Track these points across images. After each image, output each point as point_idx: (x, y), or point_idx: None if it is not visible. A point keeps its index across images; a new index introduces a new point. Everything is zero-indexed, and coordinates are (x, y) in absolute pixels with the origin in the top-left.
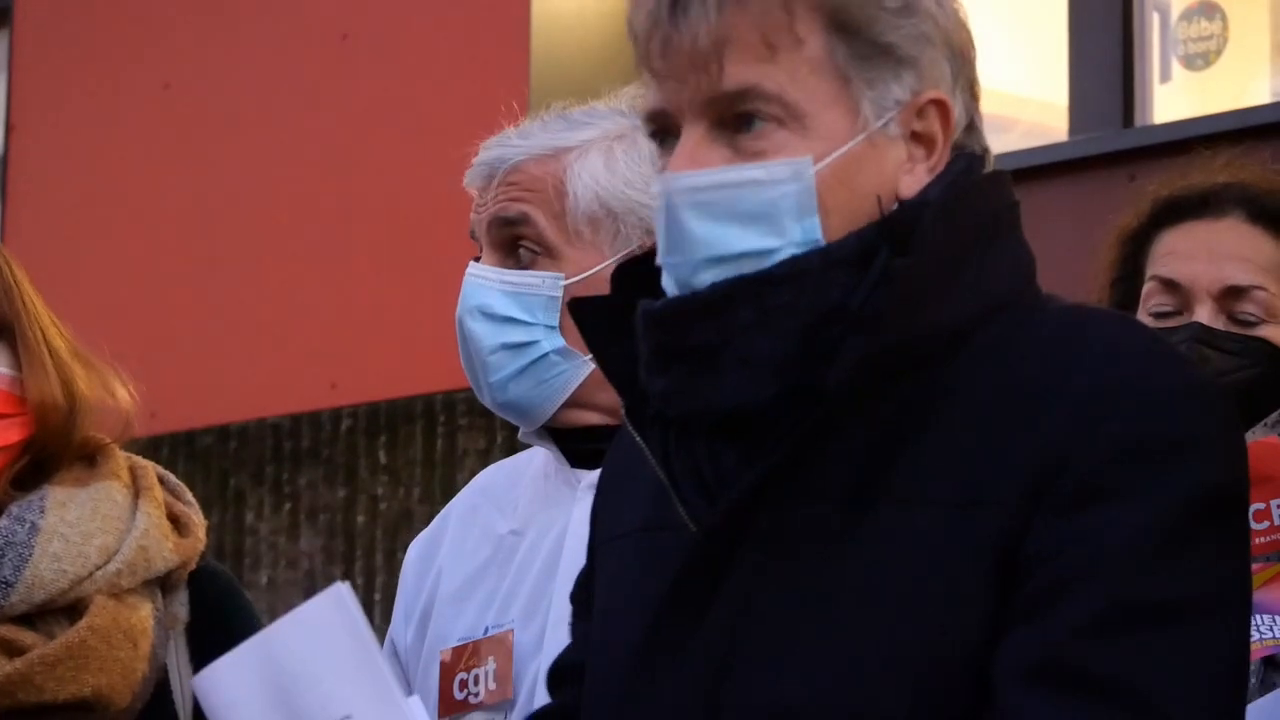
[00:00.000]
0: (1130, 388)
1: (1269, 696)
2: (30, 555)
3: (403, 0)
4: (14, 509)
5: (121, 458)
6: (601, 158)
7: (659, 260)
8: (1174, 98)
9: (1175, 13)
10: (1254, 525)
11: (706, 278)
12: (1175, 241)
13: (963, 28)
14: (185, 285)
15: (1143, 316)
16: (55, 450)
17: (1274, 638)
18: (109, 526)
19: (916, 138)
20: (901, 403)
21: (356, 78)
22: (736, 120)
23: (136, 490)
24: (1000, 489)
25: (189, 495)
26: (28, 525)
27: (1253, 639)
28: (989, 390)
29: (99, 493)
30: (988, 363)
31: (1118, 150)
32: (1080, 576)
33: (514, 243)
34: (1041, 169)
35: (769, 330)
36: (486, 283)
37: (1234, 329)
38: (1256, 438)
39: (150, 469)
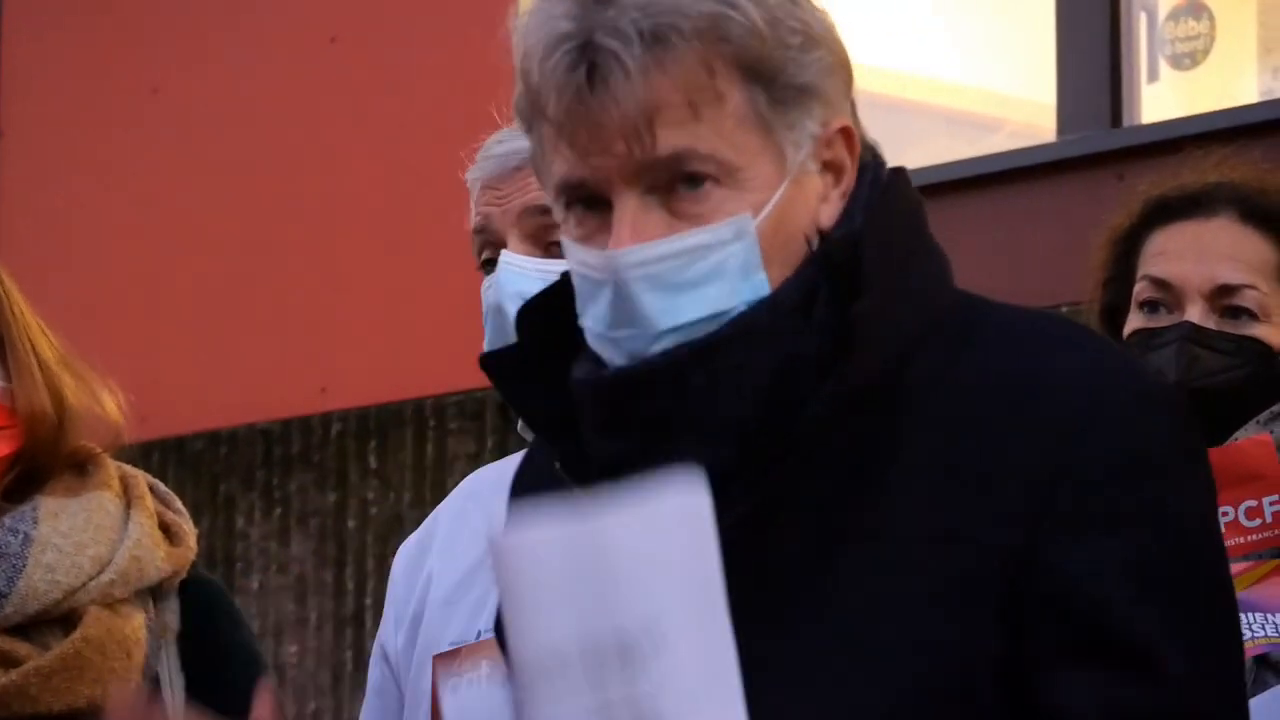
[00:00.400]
0: (1104, 409)
1: (1263, 695)
2: (24, 566)
3: (391, 3)
4: (6, 520)
5: (112, 467)
6: None
7: (600, 331)
8: (1162, 97)
9: (1162, 12)
10: (1246, 523)
11: (657, 349)
12: (1166, 241)
13: (841, 41)
14: (175, 290)
15: (1134, 316)
16: (45, 460)
17: (1266, 636)
18: (102, 537)
19: (828, 166)
20: (858, 436)
21: (345, 81)
22: (670, 184)
23: (128, 500)
24: (985, 522)
25: (179, 504)
26: (20, 536)
27: (1244, 637)
28: (947, 420)
29: (91, 503)
30: (938, 389)
31: (1106, 150)
32: (1098, 607)
33: (547, 231)
34: (1030, 169)
35: (723, 392)
36: (524, 271)
37: (1225, 328)
38: (1248, 435)
39: (141, 478)
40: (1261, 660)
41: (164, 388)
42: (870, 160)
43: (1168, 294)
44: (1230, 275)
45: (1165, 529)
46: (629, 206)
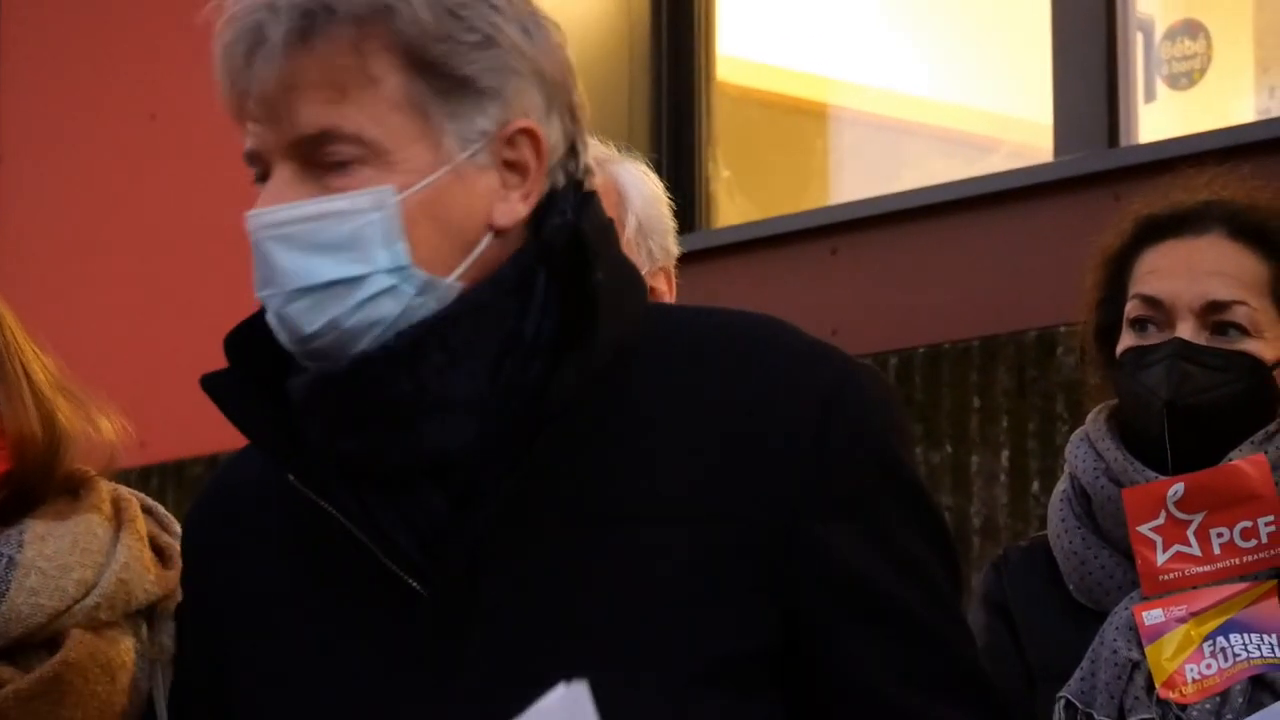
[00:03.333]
0: (841, 397)
1: (1258, 715)
2: (7, 590)
3: None
4: None
5: (105, 490)
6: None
7: (257, 295)
8: (1159, 117)
9: (1159, 32)
10: (1241, 543)
11: (298, 308)
12: (1156, 259)
13: (556, 55)
14: (174, 314)
15: (1125, 334)
16: (36, 484)
17: (1261, 656)
18: (88, 560)
19: (510, 165)
20: (593, 419)
21: None
22: (322, 160)
23: (119, 522)
24: (739, 504)
25: (177, 526)
26: (4, 560)
27: (1238, 658)
28: (675, 402)
29: (79, 526)
30: (659, 372)
31: (1103, 170)
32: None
33: None
34: (1026, 189)
35: (459, 369)
36: None
37: (1216, 344)
38: (1244, 455)
39: (134, 500)
40: (1258, 681)
41: (163, 412)
42: (581, 176)
43: (1158, 312)
44: (1220, 291)
45: (903, 499)
46: (282, 176)
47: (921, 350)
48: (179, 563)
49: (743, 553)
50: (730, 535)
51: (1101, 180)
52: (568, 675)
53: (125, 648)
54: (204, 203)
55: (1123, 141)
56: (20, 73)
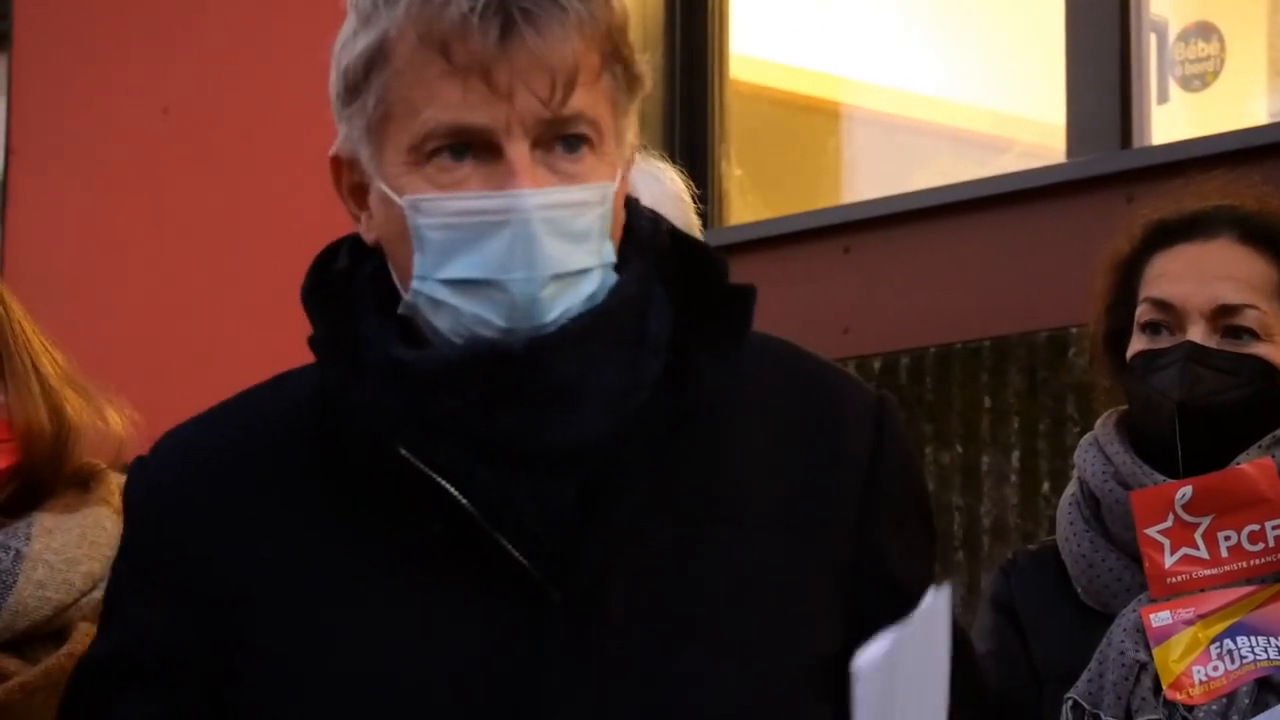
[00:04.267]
0: (884, 420)
1: (1263, 716)
2: (14, 583)
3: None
4: (0, 536)
5: (115, 482)
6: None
7: (483, 277)
8: (1172, 119)
9: (1172, 34)
10: (1249, 546)
11: (549, 293)
12: (1167, 263)
13: None
14: (186, 311)
15: (1136, 339)
16: (45, 476)
17: (1269, 659)
18: (95, 553)
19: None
20: (706, 420)
21: None
22: (554, 141)
23: None
24: (825, 518)
25: None
26: (12, 553)
27: (1245, 660)
28: (758, 412)
29: (87, 519)
30: (741, 379)
31: (1116, 171)
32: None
33: None
34: (1039, 190)
35: (612, 359)
36: None
37: (1227, 348)
38: (1251, 459)
39: None
40: (1264, 683)
41: (174, 409)
42: None
43: (1169, 315)
44: (1231, 295)
45: (928, 521)
46: (523, 155)
47: (933, 350)
48: None
49: (824, 561)
50: (814, 544)
51: (1114, 182)
52: (692, 677)
53: None
54: (217, 197)
55: (1136, 143)
56: (33, 67)
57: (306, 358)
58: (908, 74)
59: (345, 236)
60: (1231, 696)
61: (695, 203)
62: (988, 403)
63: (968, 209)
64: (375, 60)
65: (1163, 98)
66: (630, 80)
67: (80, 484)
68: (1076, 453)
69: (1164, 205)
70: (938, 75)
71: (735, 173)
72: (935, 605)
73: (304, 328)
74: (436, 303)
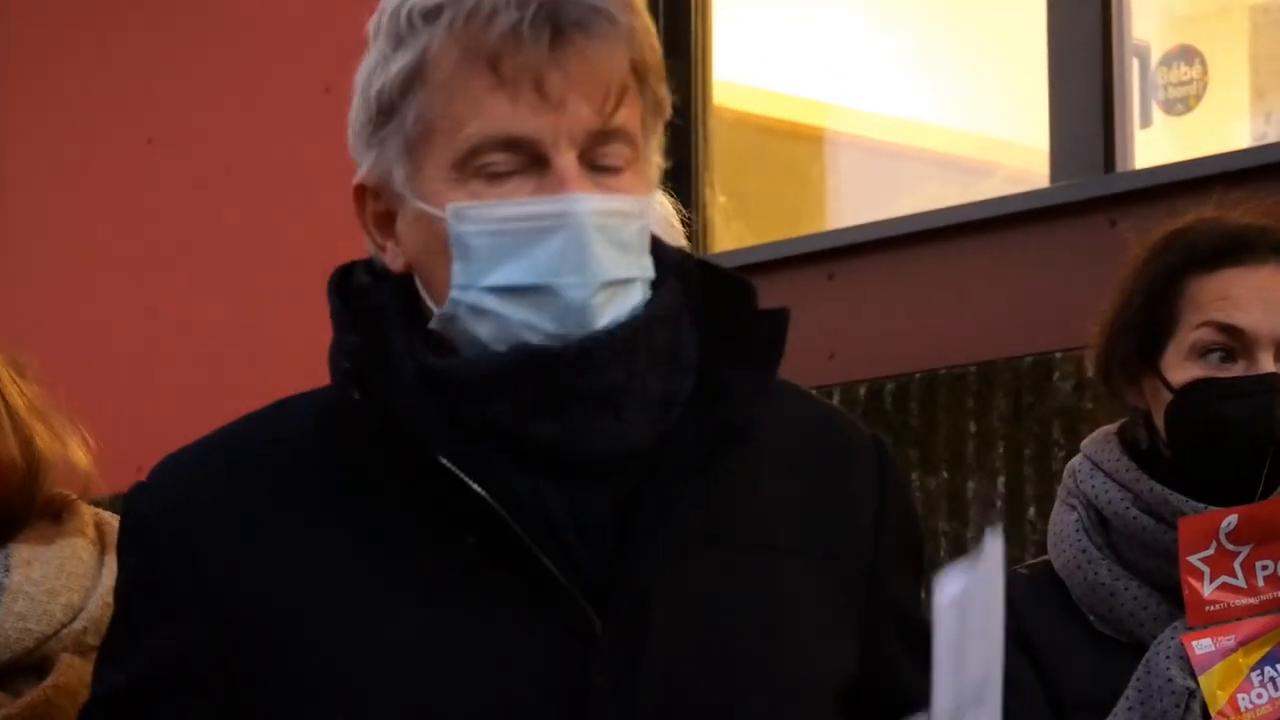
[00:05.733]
0: (886, 462)
1: None
2: None
3: None
4: None
5: (88, 513)
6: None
7: (532, 282)
8: (1155, 143)
9: (1155, 58)
10: None
11: (600, 300)
12: (1225, 286)
13: None
14: (169, 338)
15: (1190, 362)
16: (17, 508)
17: None
18: (74, 584)
19: None
20: (729, 447)
21: (340, 131)
22: (595, 155)
23: (103, 547)
24: (843, 549)
25: None
26: None
27: (1274, 695)
28: (778, 438)
29: (64, 549)
30: (771, 413)
31: (1099, 196)
32: None
33: None
34: (1023, 215)
35: (655, 370)
36: None
37: None
38: None
39: (115, 525)
40: None
41: (158, 435)
42: None
43: (1237, 341)
44: None
45: (923, 559)
46: (570, 165)
47: (918, 376)
48: None
49: (845, 589)
50: (836, 572)
51: (1098, 206)
52: (729, 702)
53: None
54: (202, 226)
55: (1119, 167)
56: (17, 97)
57: (292, 386)
58: (891, 99)
59: (355, 261)
60: None
61: (684, 227)
62: (973, 428)
63: (952, 234)
64: (414, 79)
65: (1146, 122)
66: (656, 104)
67: (52, 515)
68: (1076, 476)
69: (1187, 222)
70: (921, 100)
71: (719, 199)
72: (993, 548)
73: (288, 356)
74: (479, 311)
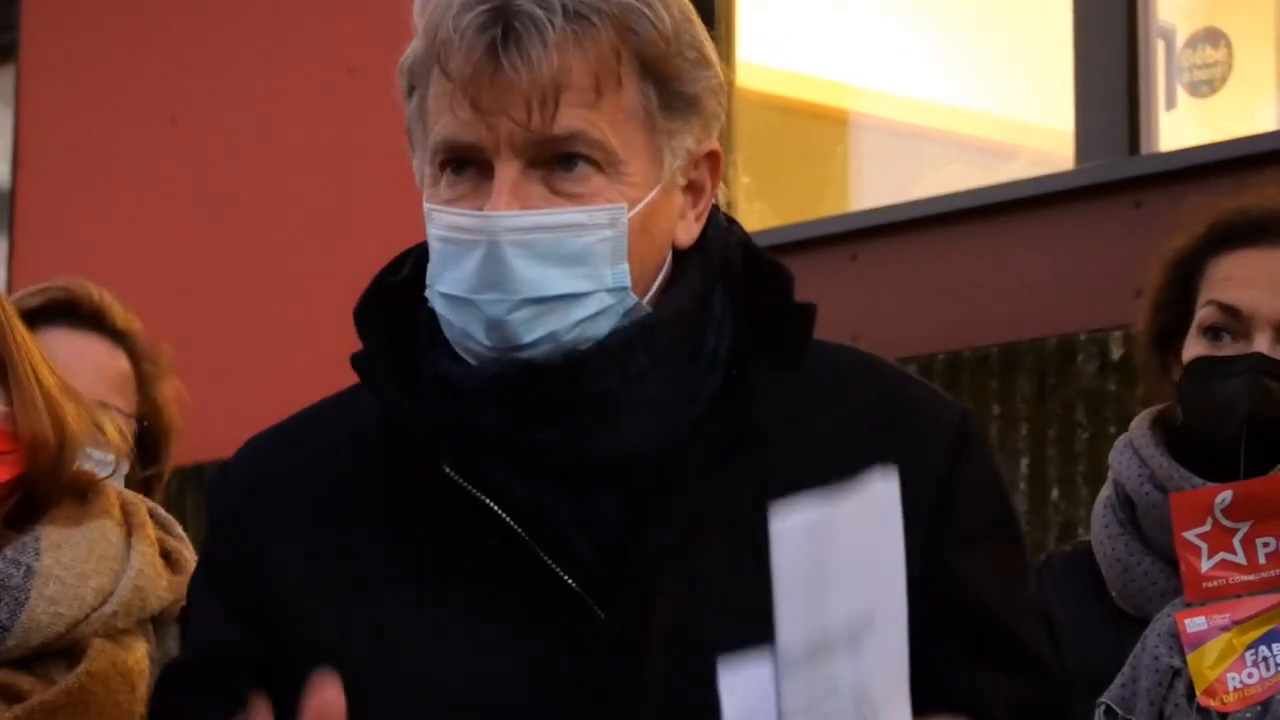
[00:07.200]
0: (966, 436)
1: None
2: (26, 599)
3: (409, 35)
4: (8, 552)
5: (113, 494)
6: None
7: (459, 294)
8: (1180, 125)
9: (1180, 40)
10: None
11: (520, 317)
12: (1233, 266)
13: (721, 73)
14: (192, 319)
15: (1194, 342)
16: (46, 487)
17: None
18: (104, 568)
19: (691, 186)
20: (751, 443)
21: (363, 111)
22: (553, 160)
23: (129, 528)
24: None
25: (179, 529)
26: (23, 568)
27: (1264, 675)
28: (819, 425)
29: (93, 532)
30: (803, 395)
31: (1123, 178)
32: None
33: None
34: (1047, 197)
35: (658, 373)
36: None
37: None
38: None
39: (141, 505)
40: None
41: (183, 414)
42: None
43: (1235, 321)
44: None
45: (1014, 538)
46: (510, 174)
47: (941, 357)
48: (188, 567)
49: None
50: None
51: (1122, 188)
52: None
53: (140, 655)
54: (224, 206)
55: (1143, 149)
56: (39, 79)
57: (319, 365)
58: (915, 81)
59: (415, 245)
60: (1266, 704)
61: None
62: (997, 409)
63: (975, 216)
64: (415, 72)
65: (1171, 104)
66: (673, 98)
67: (77, 495)
68: (1111, 454)
69: (1218, 203)
70: (945, 82)
71: (743, 180)
72: (881, 490)
73: (313, 338)
74: (439, 314)
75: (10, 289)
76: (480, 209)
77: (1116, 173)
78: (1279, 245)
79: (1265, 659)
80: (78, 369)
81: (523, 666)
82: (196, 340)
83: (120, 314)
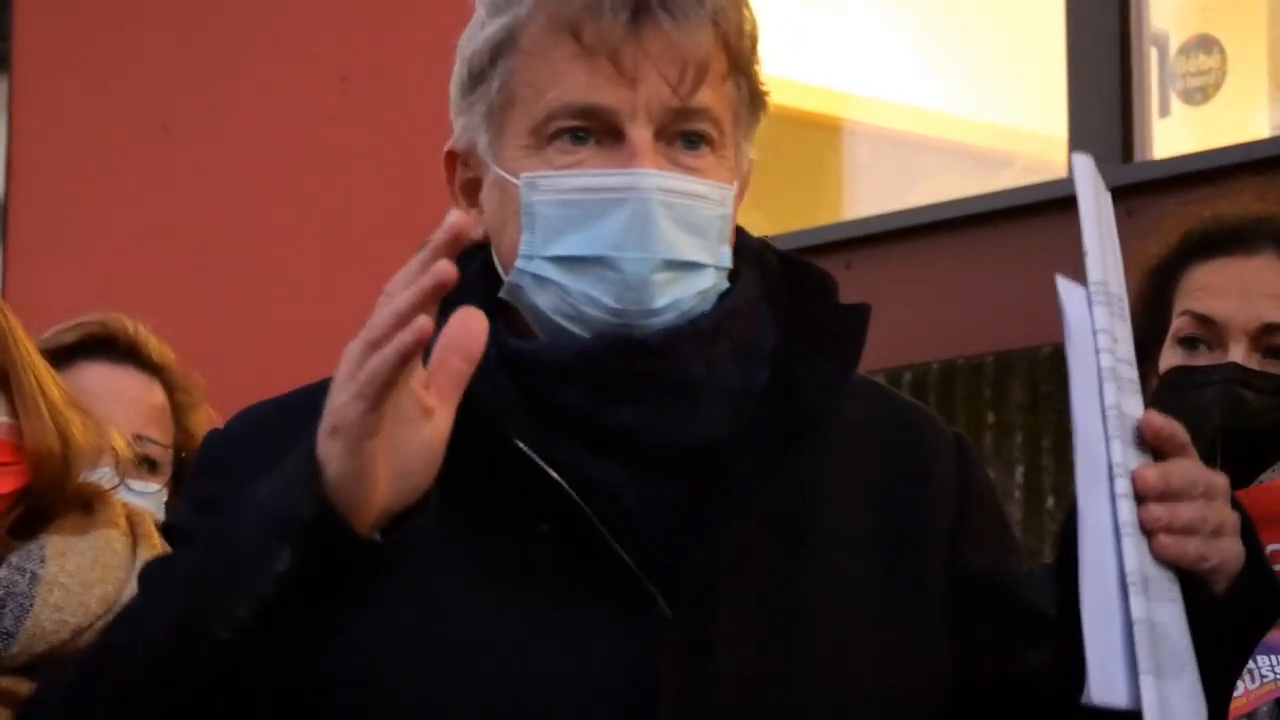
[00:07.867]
0: (962, 444)
1: None
2: (31, 606)
3: (401, 41)
4: (13, 559)
5: (119, 505)
6: None
7: (597, 254)
8: (1173, 132)
9: (1173, 47)
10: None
11: (661, 279)
12: (1208, 276)
13: None
14: (187, 326)
15: (1170, 351)
16: (52, 498)
17: None
18: (109, 576)
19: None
20: (803, 441)
21: (355, 119)
22: (677, 134)
23: (135, 538)
24: (920, 541)
25: None
26: (28, 575)
27: (1265, 679)
28: (846, 428)
29: (98, 541)
30: (847, 409)
31: (1117, 185)
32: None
33: None
34: (1041, 204)
35: (736, 363)
36: None
37: (1268, 368)
38: (1275, 477)
39: (147, 515)
40: None
41: None
42: None
43: (1210, 331)
44: (1275, 314)
45: (1012, 537)
46: (646, 140)
47: (935, 365)
48: None
49: (921, 580)
50: (912, 565)
51: (1115, 195)
52: (797, 695)
53: None
54: (216, 214)
55: (1137, 157)
56: (33, 87)
57: (311, 374)
58: (909, 89)
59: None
60: (1252, 716)
61: None
62: (991, 418)
63: (970, 224)
64: (503, 45)
65: (1164, 111)
66: (754, 96)
67: (82, 505)
68: None
69: (1194, 212)
70: (939, 90)
71: None
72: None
73: (309, 343)
74: (542, 281)
75: (4, 297)
76: (623, 169)
77: (1110, 180)
78: (1253, 254)
79: (1250, 671)
80: (115, 403)
81: (586, 661)
82: (188, 349)
83: (155, 347)
